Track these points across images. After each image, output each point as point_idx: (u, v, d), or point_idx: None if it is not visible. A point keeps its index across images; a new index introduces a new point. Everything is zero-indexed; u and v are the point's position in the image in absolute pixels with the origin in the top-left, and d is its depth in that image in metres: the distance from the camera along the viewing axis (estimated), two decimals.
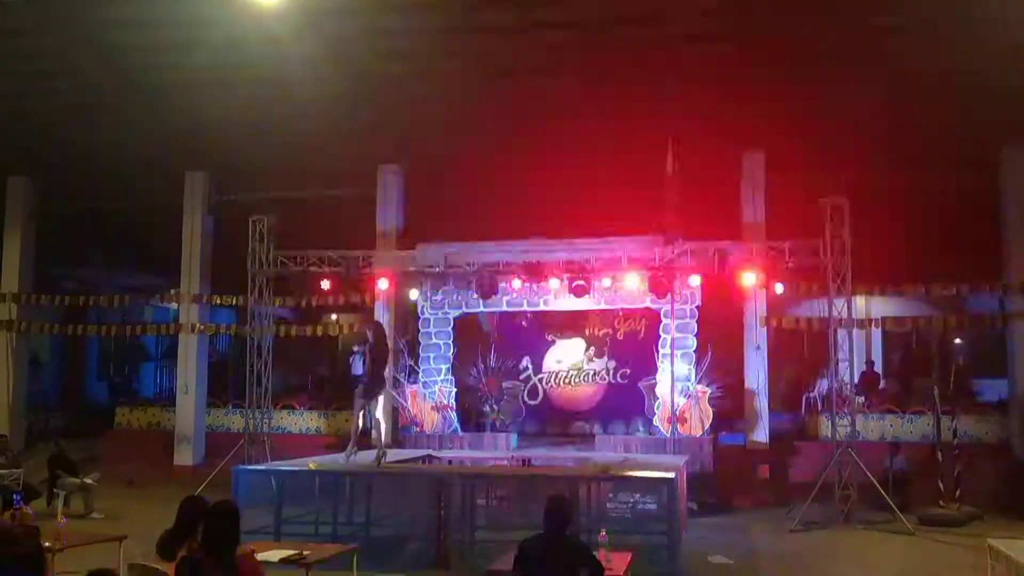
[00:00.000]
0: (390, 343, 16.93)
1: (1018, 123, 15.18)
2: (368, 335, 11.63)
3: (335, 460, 12.13)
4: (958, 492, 13.46)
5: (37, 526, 7.00)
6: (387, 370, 16.95)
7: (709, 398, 15.17)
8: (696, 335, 15.46)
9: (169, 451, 18.03)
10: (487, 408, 16.67)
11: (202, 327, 18.48)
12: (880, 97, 14.96)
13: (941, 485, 13.53)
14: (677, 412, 14.94)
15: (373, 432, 11.75)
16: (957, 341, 19.37)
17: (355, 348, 20.67)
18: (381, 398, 12.00)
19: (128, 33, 14.64)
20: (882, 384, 19.25)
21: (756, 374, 16.02)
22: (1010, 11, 12.63)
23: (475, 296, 15.76)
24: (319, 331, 19.05)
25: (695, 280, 15.04)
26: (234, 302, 18.22)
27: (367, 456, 11.61)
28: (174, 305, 19.66)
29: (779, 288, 15.46)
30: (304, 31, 14.11)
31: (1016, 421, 15.72)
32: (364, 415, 11.57)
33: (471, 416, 16.79)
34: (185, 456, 17.92)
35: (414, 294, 16.40)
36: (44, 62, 15.46)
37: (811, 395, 18.07)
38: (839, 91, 14.83)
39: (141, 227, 20.05)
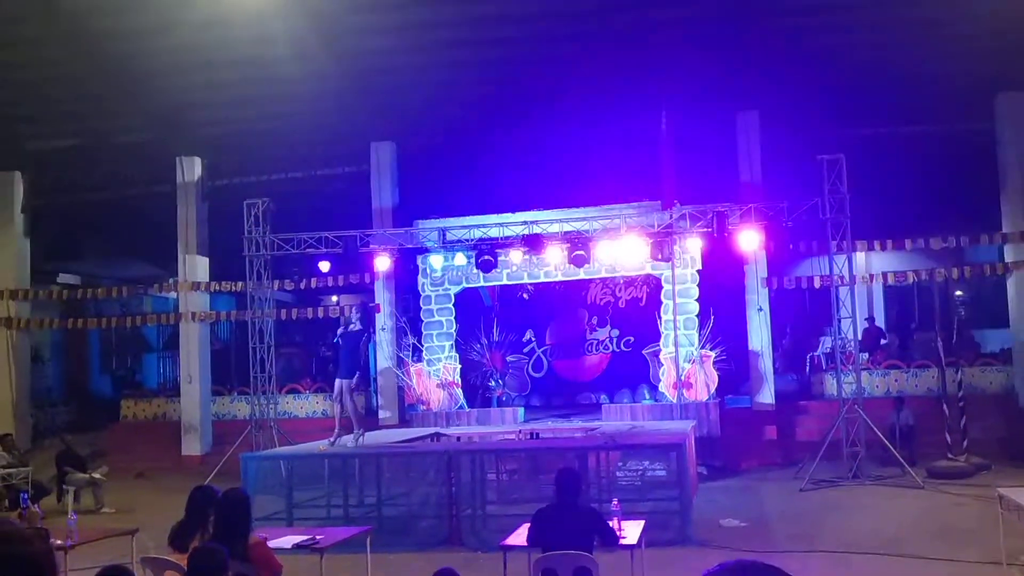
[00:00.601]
0: (391, 321, 17.03)
1: (1012, 71, 15.07)
2: (355, 317, 11.60)
3: (343, 443, 12.12)
4: (965, 443, 13.50)
5: (47, 528, 6.97)
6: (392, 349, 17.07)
7: (713, 362, 15.16)
8: (698, 299, 15.42)
9: (176, 441, 18.05)
10: (493, 383, 16.66)
11: (202, 315, 18.43)
12: (873, 49, 14.84)
13: (948, 438, 13.56)
14: (682, 378, 14.94)
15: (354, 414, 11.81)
16: (958, 293, 19.35)
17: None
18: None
19: (109, 19, 14.48)
20: (884, 340, 19.24)
21: (759, 336, 16.02)
22: None
23: (475, 271, 15.71)
24: (320, 313, 19.00)
25: (695, 244, 14.97)
26: (233, 288, 18.16)
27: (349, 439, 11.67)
28: (173, 294, 19.57)
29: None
30: (287, 8, 13.94)
31: (1019, 370, 15.75)
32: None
33: (477, 392, 16.79)
34: (193, 446, 17.94)
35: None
36: (28, 53, 15.29)
37: (815, 354, 18.08)
38: (830, 46, 14.71)
39: (136, 216, 19.90)
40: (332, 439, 11.63)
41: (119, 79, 15.83)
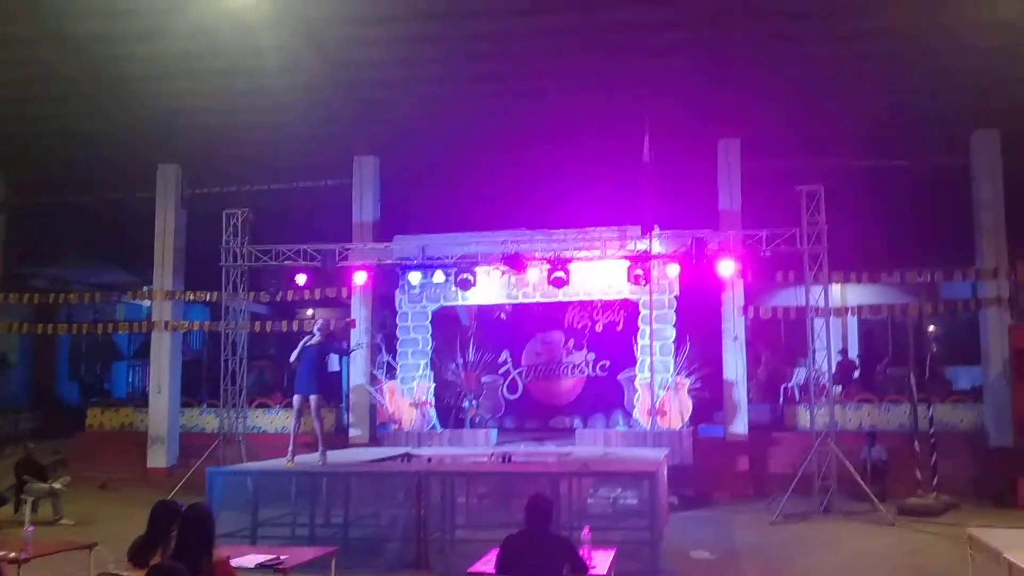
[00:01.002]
0: (367, 337, 16.89)
1: (987, 108, 15.28)
2: (316, 329, 11.46)
3: (311, 460, 11.96)
4: (935, 481, 13.53)
5: None
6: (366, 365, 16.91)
7: (688, 390, 15.13)
8: (675, 325, 15.43)
9: (142, 453, 17.75)
10: (466, 403, 16.54)
11: (175, 324, 18.18)
12: (853, 84, 15.01)
13: (919, 474, 13.58)
14: (657, 404, 14.89)
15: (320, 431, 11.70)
16: (931, 328, 19.49)
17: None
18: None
19: (95, 22, 14.36)
20: (856, 373, 19.35)
21: (734, 364, 16.03)
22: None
23: (454, 289, 15.63)
24: (295, 326, 18.80)
25: (673, 270, 14.99)
26: (208, 298, 17.96)
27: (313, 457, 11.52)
28: (147, 302, 19.34)
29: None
30: (277, 18, 13.89)
31: (990, 408, 15.84)
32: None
33: (450, 412, 16.65)
34: (159, 458, 17.65)
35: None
36: (10, 53, 15.12)
37: (789, 385, 18.13)
38: (813, 79, 14.86)
39: (113, 222, 19.68)
40: (290, 456, 11.48)
41: (106, 83, 15.69)
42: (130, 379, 25.31)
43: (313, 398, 11.36)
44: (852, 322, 20.81)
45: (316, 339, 11.32)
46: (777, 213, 14.58)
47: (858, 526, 12.31)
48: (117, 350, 25.26)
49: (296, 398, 11.56)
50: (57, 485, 13.42)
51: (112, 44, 14.84)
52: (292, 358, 11.50)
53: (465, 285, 15.14)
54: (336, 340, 11.89)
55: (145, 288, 19.05)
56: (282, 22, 13.98)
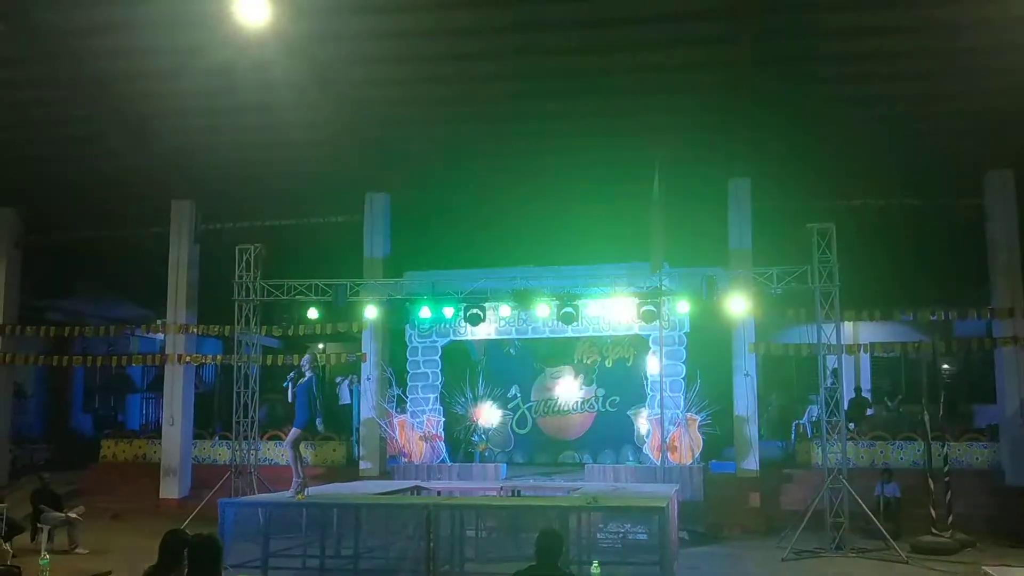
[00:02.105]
0: (378, 371, 16.97)
1: (1001, 148, 15.34)
2: (306, 367, 11.57)
3: (323, 491, 11.98)
4: (950, 519, 13.39)
5: (18, 566, 6.85)
6: (374, 399, 16.96)
7: (699, 426, 15.10)
8: (684, 362, 15.45)
9: (155, 484, 17.79)
10: (476, 438, 16.54)
11: (188, 357, 18.32)
12: (866, 121, 15.11)
13: (933, 512, 13.43)
14: (667, 440, 14.86)
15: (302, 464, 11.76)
16: (945, 367, 19.38)
17: (337, 379, 20.62)
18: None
19: (114, 62, 14.70)
20: (870, 410, 19.22)
21: (745, 401, 15.98)
22: (993, 39, 12.84)
23: (463, 324, 15.71)
24: None
25: (683, 307, 15.03)
26: (220, 332, 18.10)
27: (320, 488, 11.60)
28: (160, 335, 19.48)
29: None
30: (291, 58, 14.18)
31: (1006, 446, 15.71)
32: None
33: (460, 446, 16.65)
34: (171, 489, 17.69)
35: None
36: (30, 92, 15.47)
37: (801, 422, 18.03)
38: (825, 120, 14.97)
39: (127, 257, 19.92)
40: (295, 489, 11.52)
41: (123, 120, 16.00)
42: (144, 411, 25.41)
43: (297, 430, 11.49)
44: (865, 359, 20.72)
45: (304, 376, 11.45)
46: (788, 251, 14.63)
47: (871, 564, 12.18)
48: (131, 383, 25.39)
49: (292, 432, 11.69)
50: (72, 514, 13.49)
51: (133, 82, 15.16)
52: (289, 399, 11.63)
53: (475, 320, 15.24)
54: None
55: (159, 322, 19.21)
56: (295, 62, 14.25)
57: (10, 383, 19.60)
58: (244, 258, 15.68)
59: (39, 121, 16.31)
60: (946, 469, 13.85)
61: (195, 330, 18.43)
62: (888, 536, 12.72)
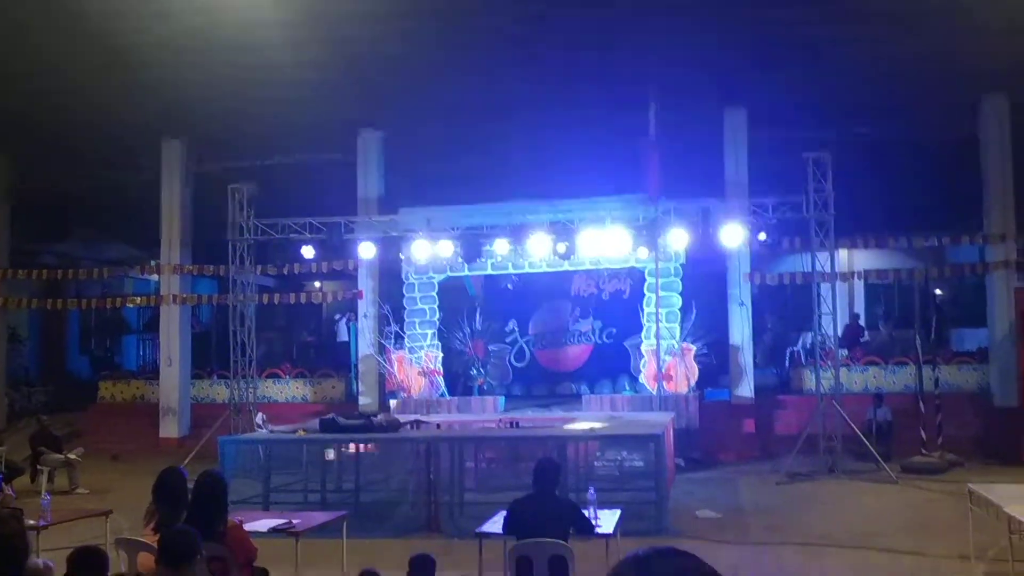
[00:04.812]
0: (374, 308, 17.02)
1: (996, 72, 15.16)
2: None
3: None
4: (940, 440, 13.66)
5: (20, 508, 6.95)
6: (371, 336, 17.01)
7: (694, 355, 15.23)
8: (681, 293, 15.50)
9: (154, 424, 17.94)
10: (474, 371, 16.67)
11: (184, 298, 18.30)
12: (860, 47, 14.89)
13: (923, 434, 13.70)
14: (663, 370, 15.00)
15: None
16: (938, 292, 19.50)
17: (336, 317, 20.67)
18: None
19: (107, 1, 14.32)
20: (864, 336, 19.39)
21: (740, 330, 16.10)
22: None
23: (460, 260, 15.70)
24: (303, 299, 18.94)
25: (679, 237, 15.02)
26: (215, 272, 18.06)
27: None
28: (155, 276, 19.43)
29: (762, 235, 15.32)
30: None
31: (995, 369, 15.91)
32: None
33: (458, 380, 16.80)
34: (170, 428, 17.84)
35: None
36: (14, 31, 15.09)
37: (795, 349, 18.20)
38: (818, 46, 14.74)
39: (119, 199, 19.75)
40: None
41: (111, 60, 15.65)
42: (140, 352, 25.54)
43: None
44: (859, 286, 20.82)
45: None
46: (784, 180, 14.57)
47: (862, 485, 12.45)
48: (126, 324, 25.46)
49: None
50: (72, 456, 13.63)
51: (119, 20, 14.79)
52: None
53: (471, 256, 15.23)
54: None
55: (153, 262, 19.16)
56: None
57: (4, 327, 19.61)
58: (237, 197, 15.58)
59: (25, 62, 15.93)
60: (937, 392, 14.06)
61: (190, 270, 18.40)
62: (879, 458, 12.96)
